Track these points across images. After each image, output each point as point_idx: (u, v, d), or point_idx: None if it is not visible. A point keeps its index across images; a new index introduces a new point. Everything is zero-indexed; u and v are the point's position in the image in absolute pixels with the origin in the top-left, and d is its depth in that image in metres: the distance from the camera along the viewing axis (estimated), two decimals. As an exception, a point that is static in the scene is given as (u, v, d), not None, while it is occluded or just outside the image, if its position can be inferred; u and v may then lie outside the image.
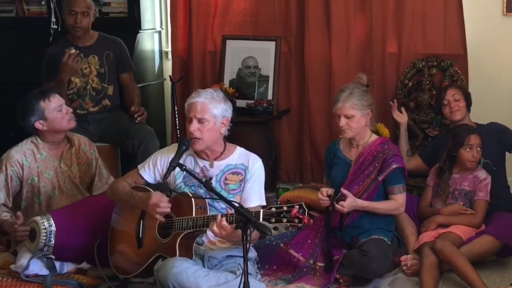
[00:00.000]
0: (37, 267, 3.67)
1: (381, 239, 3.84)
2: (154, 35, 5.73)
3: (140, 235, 3.59)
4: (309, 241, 3.96)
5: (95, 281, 3.78)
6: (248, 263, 3.14)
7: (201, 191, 3.53)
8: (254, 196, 3.58)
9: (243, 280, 2.95)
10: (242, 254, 3.01)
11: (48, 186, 4.05)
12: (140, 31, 5.43)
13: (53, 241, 3.70)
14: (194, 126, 3.49)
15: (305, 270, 3.87)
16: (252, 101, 5.20)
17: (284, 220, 3.08)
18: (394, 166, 3.86)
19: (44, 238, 3.68)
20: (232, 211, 3.20)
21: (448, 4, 4.95)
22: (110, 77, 4.92)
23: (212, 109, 3.49)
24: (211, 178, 3.54)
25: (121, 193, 3.62)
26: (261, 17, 5.42)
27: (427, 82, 4.97)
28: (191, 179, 3.52)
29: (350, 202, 3.77)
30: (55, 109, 3.99)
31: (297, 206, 3.07)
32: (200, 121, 3.48)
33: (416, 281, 3.81)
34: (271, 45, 5.31)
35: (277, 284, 3.81)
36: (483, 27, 4.99)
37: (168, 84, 5.55)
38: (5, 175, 3.98)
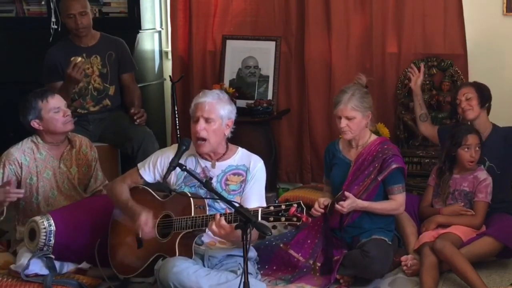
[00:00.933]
0: (37, 267, 3.67)
1: (382, 239, 3.85)
2: (154, 35, 5.73)
3: (140, 235, 3.59)
4: (309, 241, 3.96)
5: (95, 281, 3.78)
6: (248, 263, 3.15)
7: (202, 191, 3.52)
8: (254, 197, 3.58)
9: (243, 280, 2.95)
10: (242, 254, 3.01)
11: (47, 186, 4.05)
12: (140, 31, 5.43)
13: (53, 241, 3.70)
14: (200, 126, 3.48)
15: (305, 270, 3.87)
16: (252, 101, 5.19)
17: (283, 218, 3.08)
18: (394, 166, 3.86)
19: (44, 237, 3.68)
20: (232, 211, 3.20)
21: (448, 4, 4.95)
22: (112, 77, 4.92)
23: (220, 110, 3.50)
24: (211, 178, 3.54)
25: (117, 199, 3.64)
26: (261, 17, 5.42)
27: (427, 82, 4.96)
28: (192, 179, 3.51)
29: (350, 202, 3.77)
30: (51, 110, 3.97)
31: (295, 205, 3.07)
32: (207, 121, 3.48)
33: (416, 281, 3.81)
34: (271, 45, 5.30)
35: (277, 284, 3.81)
36: (483, 27, 4.99)
37: (168, 84, 5.55)
38: (2, 173, 3.98)
